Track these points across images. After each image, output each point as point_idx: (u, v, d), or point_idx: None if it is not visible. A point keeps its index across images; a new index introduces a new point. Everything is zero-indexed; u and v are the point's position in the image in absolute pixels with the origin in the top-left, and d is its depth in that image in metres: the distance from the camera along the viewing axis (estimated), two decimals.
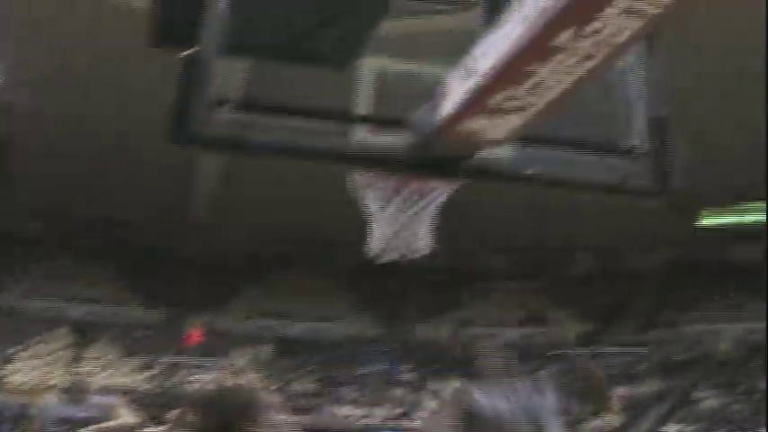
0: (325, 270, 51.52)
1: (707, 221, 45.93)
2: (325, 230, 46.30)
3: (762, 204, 44.30)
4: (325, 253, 50.67)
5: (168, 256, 49.62)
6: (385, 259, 4.41)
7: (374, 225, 4.40)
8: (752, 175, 42.06)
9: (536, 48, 2.72)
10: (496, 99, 2.97)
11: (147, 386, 40.74)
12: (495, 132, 3.17)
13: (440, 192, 4.21)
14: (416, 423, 40.86)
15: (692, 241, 46.06)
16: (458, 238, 42.36)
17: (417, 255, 4.52)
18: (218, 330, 47.21)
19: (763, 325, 43.14)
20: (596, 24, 2.60)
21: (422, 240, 4.44)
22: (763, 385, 39.24)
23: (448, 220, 4.72)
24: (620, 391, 41.64)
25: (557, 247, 49.03)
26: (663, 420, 38.74)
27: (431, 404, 42.69)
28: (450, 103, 3.21)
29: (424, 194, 4.17)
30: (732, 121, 39.91)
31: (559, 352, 45.80)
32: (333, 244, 48.93)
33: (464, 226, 40.40)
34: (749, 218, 45.44)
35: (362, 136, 3.74)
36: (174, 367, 42.69)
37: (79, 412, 10.60)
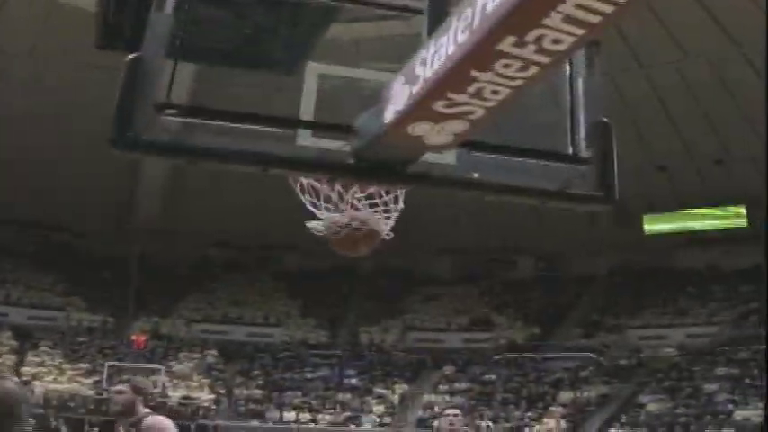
0: (270, 275, 51.45)
1: (652, 227, 46.34)
2: (272, 235, 46.24)
3: (705, 211, 44.79)
4: (271, 258, 50.60)
5: (113, 260, 49.28)
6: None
7: (317, 227, 4.42)
8: (697, 181, 42.60)
9: (478, 54, 2.74)
10: (439, 105, 2.98)
11: (91, 391, 40.36)
12: (438, 138, 3.18)
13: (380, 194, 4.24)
14: (363, 427, 40.90)
15: (637, 247, 46.46)
16: (403, 243, 42.47)
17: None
18: (163, 335, 46.96)
19: (705, 329, 43.71)
20: (538, 31, 2.63)
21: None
22: (707, 389, 39.70)
23: (393, 224, 4.74)
24: (566, 395, 41.98)
25: (502, 252, 49.24)
26: (607, 425, 39.00)
27: (377, 408, 42.76)
28: (393, 108, 3.22)
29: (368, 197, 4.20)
30: (678, 129, 40.39)
31: (505, 356, 46.06)
32: (279, 249, 48.93)
33: (409, 230, 40.48)
34: (694, 224, 45.92)
35: (307, 141, 3.74)
36: (119, 372, 42.32)
37: None
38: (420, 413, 42.44)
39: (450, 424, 9.76)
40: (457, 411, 10.26)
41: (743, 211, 44.06)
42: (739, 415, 36.69)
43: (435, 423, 10.11)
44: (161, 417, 7.31)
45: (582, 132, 3.90)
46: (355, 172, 3.66)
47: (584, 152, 3.86)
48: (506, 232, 45.38)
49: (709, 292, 45.37)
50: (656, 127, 39.90)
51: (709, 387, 39.66)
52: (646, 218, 45.90)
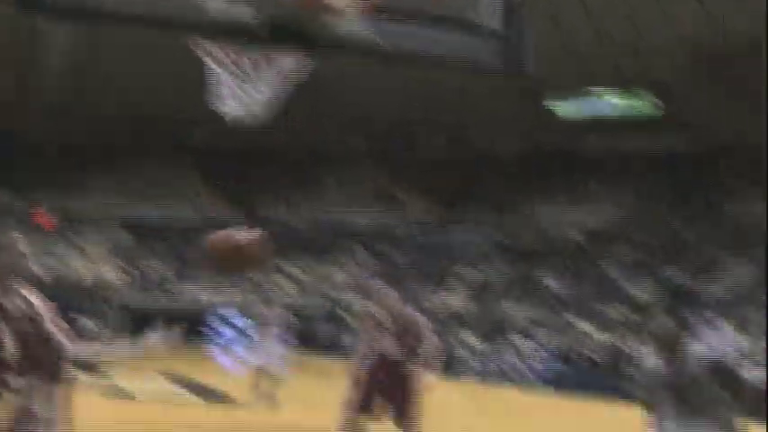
0: (178, 152, 50.73)
1: (561, 109, 46.22)
2: (182, 112, 45.51)
3: (617, 97, 44.85)
4: (181, 134, 49.82)
5: (18, 138, 48.18)
6: (233, 124, 4.37)
7: (223, 94, 4.35)
8: (610, 68, 42.64)
9: None
10: None
11: None
12: (344, 2, 3.15)
13: (290, 63, 4.17)
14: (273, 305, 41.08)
15: (547, 129, 46.36)
16: (312, 119, 42.16)
17: (262, 121, 4.49)
18: (69, 216, 46.35)
19: (611, 213, 44.44)
20: None
21: (267, 107, 4.41)
22: (610, 272, 40.54)
23: (301, 98, 4.70)
24: (469, 274, 42.57)
25: (412, 129, 48.64)
26: (511, 304, 39.60)
27: (288, 287, 43.03)
28: None
29: (273, 65, 4.13)
30: (593, 15, 40.22)
31: (411, 232, 46.48)
32: (189, 125, 48.23)
33: (319, 106, 40.18)
34: (604, 109, 45.82)
35: (215, 6, 3.67)
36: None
37: None
38: (331, 292, 42.84)
39: (385, 305, 9.62)
40: (393, 292, 10.09)
41: (653, 98, 44.20)
42: (641, 297, 37.58)
43: (363, 304, 9.99)
44: None
45: (493, 5, 3.87)
46: (265, 39, 3.61)
47: (496, 25, 3.84)
48: (418, 107, 44.89)
49: (616, 176, 45.79)
50: (571, 10, 39.72)
51: (612, 270, 40.48)
52: (556, 100, 45.76)
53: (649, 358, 7.01)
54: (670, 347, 6.82)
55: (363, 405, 9.28)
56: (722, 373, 6.72)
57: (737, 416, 6.60)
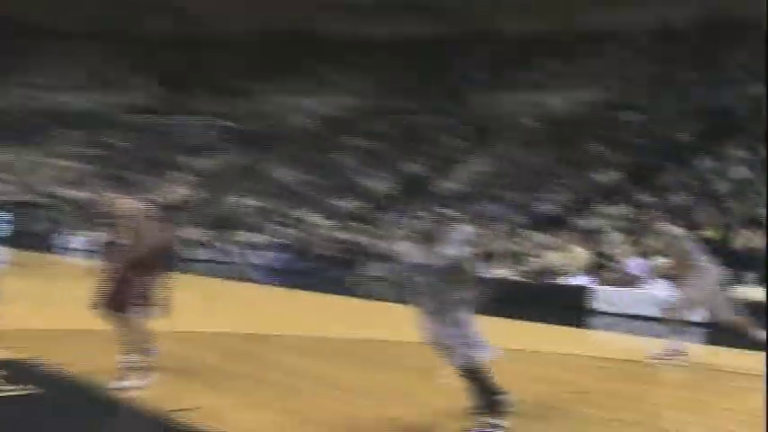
0: None
1: None
2: None
3: None
4: None
5: None
6: None
7: None
8: None
9: None
10: None
11: None
12: None
13: None
14: None
15: (279, 10, 45.15)
16: None
17: None
18: None
19: (346, 100, 43.99)
20: None
21: None
22: (341, 160, 40.02)
23: None
24: (195, 163, 41.42)
25: (135, 7, 46.31)
26: (239, 192, 38.72)
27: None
28: None
29: None
30: None
31: (136, 119, 44.92)
32: None
33: None
34: None
35: None
36: None
37: None
38: (44, 185, 40.73)
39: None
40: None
41: None
42: (371, 185, 37.29)
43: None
44: None
45: None
46: None
47: None
48: None
49: (355, 63, 45.36)
50: None
51: (347, 160, 40.05)
52: None
53: (406, 253, 7.03)
54: (424, 242, 6.93)
55: (111, 297, 8.45)
56: (464, 268, 6.76)
57: (482, 309, 6.72)
